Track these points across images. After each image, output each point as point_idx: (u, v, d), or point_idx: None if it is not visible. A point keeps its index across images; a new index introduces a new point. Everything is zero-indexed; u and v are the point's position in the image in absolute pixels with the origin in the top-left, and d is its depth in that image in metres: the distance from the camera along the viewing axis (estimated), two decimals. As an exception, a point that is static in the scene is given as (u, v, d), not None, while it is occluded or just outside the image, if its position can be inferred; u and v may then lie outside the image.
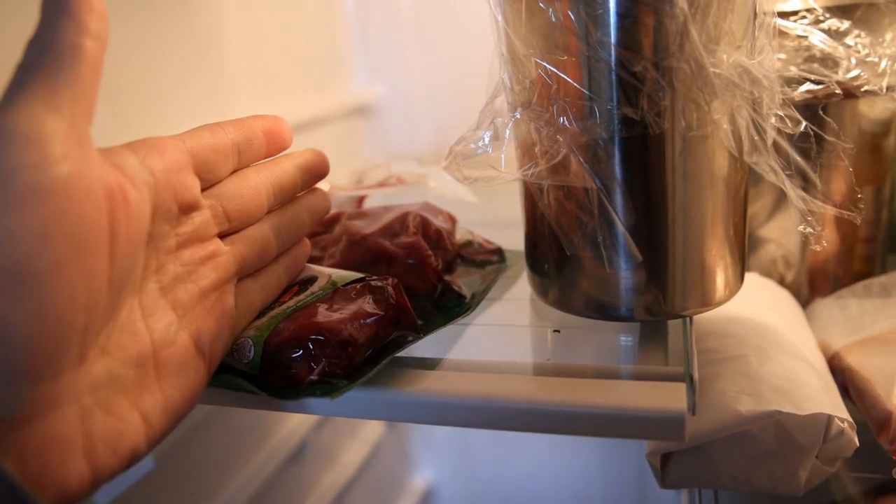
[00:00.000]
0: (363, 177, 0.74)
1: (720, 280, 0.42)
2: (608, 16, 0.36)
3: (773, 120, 0.40)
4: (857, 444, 0.42)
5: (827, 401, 0.43)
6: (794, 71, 0.48)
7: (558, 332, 0.44)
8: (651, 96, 0.37)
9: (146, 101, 0.62)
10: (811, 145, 0.40)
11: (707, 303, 0.42)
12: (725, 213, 0.41)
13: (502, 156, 0.41)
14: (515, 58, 0.40)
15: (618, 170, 0.39)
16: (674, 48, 0.36)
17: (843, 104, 0.58)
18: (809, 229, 0.42)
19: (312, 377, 0.37)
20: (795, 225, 0.63)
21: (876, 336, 0.50)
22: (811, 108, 0.43)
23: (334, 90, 0.95)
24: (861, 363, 0.49)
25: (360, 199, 0.67)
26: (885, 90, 0.49)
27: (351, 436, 0.99)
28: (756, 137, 0.39)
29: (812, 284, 0.64)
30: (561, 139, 0.38)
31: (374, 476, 1.02)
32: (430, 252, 0.48)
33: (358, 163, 0.89)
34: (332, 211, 0.56)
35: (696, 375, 0.35)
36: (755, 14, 0.39)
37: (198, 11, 0.68)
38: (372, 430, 1.02)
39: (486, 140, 0.42)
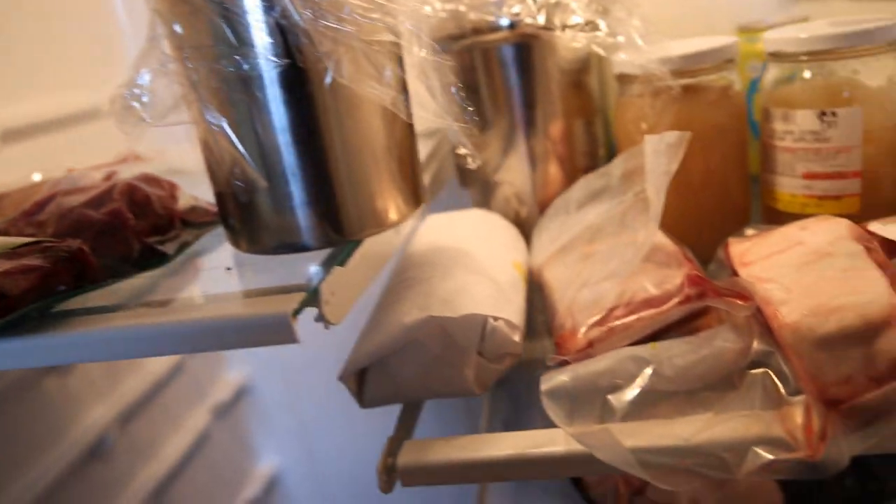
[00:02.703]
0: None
1: (391, 204, 0.45)
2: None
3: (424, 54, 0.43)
4: (519, 342, 0.46)
5: (490, 305, 0.46)
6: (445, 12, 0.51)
7: (230, 269, 0.46)
8: (287, 34, 0.38)
9: None
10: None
11: (380, 225, 0.45)
12: (387, 144, 0.44)
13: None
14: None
15: (274, 110, 0.40)
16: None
17: (542, 46, 0.62)
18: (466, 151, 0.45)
19: None
20: (524, 166, 0.67)
21: (562, 246, 0.54)
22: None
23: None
24: (549, 275, 0.53)
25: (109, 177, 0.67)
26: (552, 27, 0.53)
27: (172, 428, 0.98)
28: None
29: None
30: (197, 79, 0.40)
31: (206, 467, 1.01)
32: (129, 216, 0.50)
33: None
34: (45, 193, 0.56)
35: (325, 291, 0.38)
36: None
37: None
38: (196, 420, 1.02)
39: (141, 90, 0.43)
